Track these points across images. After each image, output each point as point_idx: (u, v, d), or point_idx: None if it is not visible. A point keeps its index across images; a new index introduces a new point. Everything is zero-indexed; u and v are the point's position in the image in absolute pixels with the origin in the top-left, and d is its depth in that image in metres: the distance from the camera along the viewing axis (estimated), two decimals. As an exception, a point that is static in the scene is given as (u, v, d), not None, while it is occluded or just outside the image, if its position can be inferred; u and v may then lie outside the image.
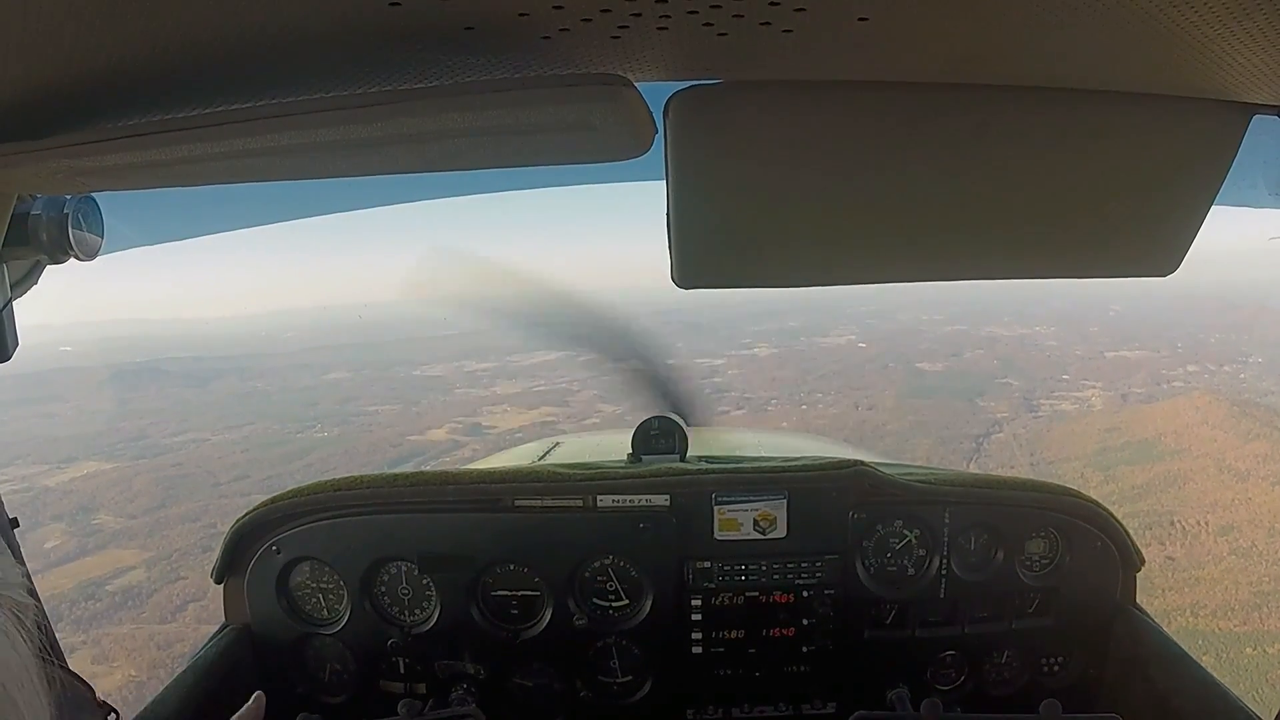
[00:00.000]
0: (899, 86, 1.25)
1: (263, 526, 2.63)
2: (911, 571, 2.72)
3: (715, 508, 2.63)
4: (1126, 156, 1.37)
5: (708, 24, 1.00)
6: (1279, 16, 0.95)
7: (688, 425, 3.06)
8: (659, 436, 2.99)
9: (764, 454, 3.41)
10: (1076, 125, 1.31)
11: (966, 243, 1.54)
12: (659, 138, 1.17)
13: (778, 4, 0.94)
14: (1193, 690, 2.31)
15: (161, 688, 2.28)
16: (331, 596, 2.67)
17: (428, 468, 3.20)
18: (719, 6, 0.95)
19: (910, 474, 2.78)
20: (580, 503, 2.62)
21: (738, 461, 2.88)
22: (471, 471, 2.77)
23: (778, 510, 2.64)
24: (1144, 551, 2.74)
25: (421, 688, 2.68)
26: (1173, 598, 26.36)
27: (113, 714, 1.54)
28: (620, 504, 2.62)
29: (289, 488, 2.68)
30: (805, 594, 2.69)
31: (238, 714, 1.72)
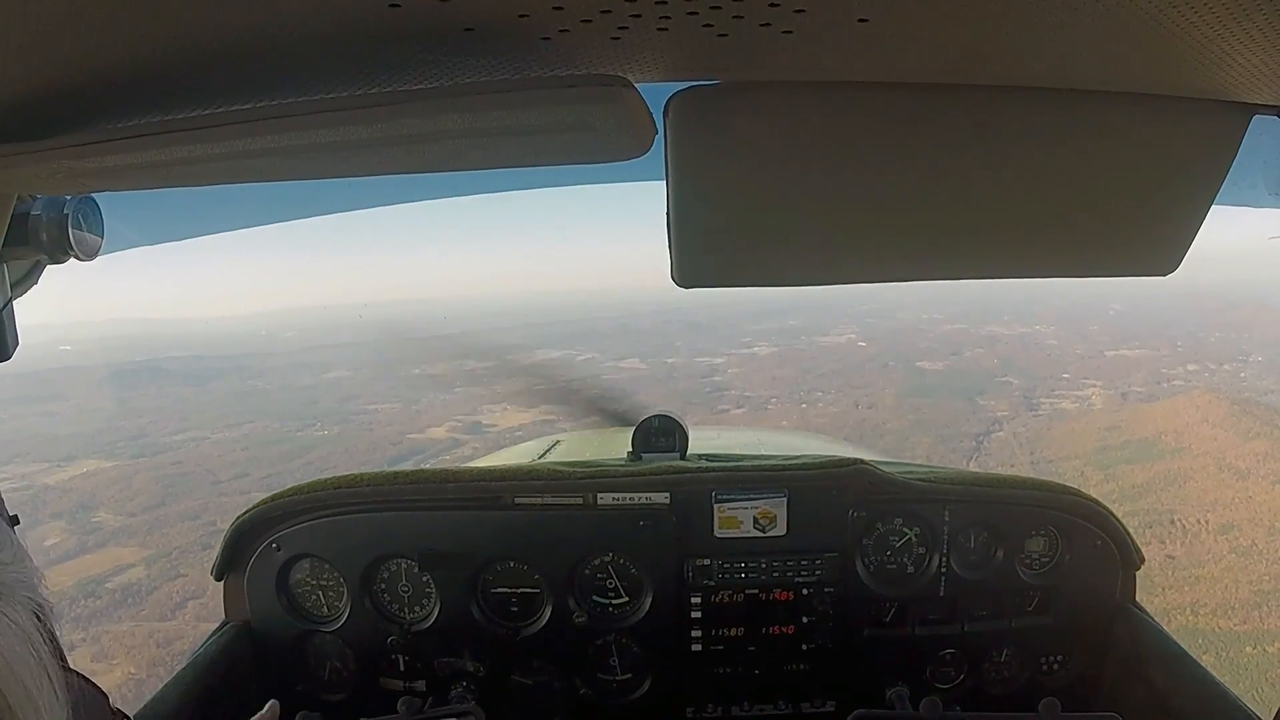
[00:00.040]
0: (899, 87, 1.25)
1: (263, 524, 2.63)
2: (911, 570, 2.72)
3: (715, 506, 2.63)
4: (1127, 156, 1.37)
5: (708, 25, 1.00)
6: (1279, 16, 0.95)
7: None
8: (659, 434, 2.99)
9: (764, 452, 3.42)
10: (1076, 125, 1.31)
11: (967, 242, 1.54)
12: (659, 138, 1.16)
13: (778, 5, 0.94)
14: (1192, 689, 2.32)
15: (161, 685, 2.28)
16: (331, 594, 2.68)
17: (427, 466, 3.21)
18: (719, 7, 0.95)
19: (910, 472, 2.78)
20: (580, 500, 2.62)
21: (738, 460, 2.89)
22: (472, 469, 2.78)
23: (778, 508, 2.64)
24: (1144, 550, 2.74)
25: (421, 685, 2.69)
26: (1173, 596, 26.38)
27: None
28: (620, 502, 2.63)
29: (289, 486, 2.69)
30: (805, 592, 2.69)
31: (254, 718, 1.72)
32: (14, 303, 1.58)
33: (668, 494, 2.63)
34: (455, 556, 2.62)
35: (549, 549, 2.64)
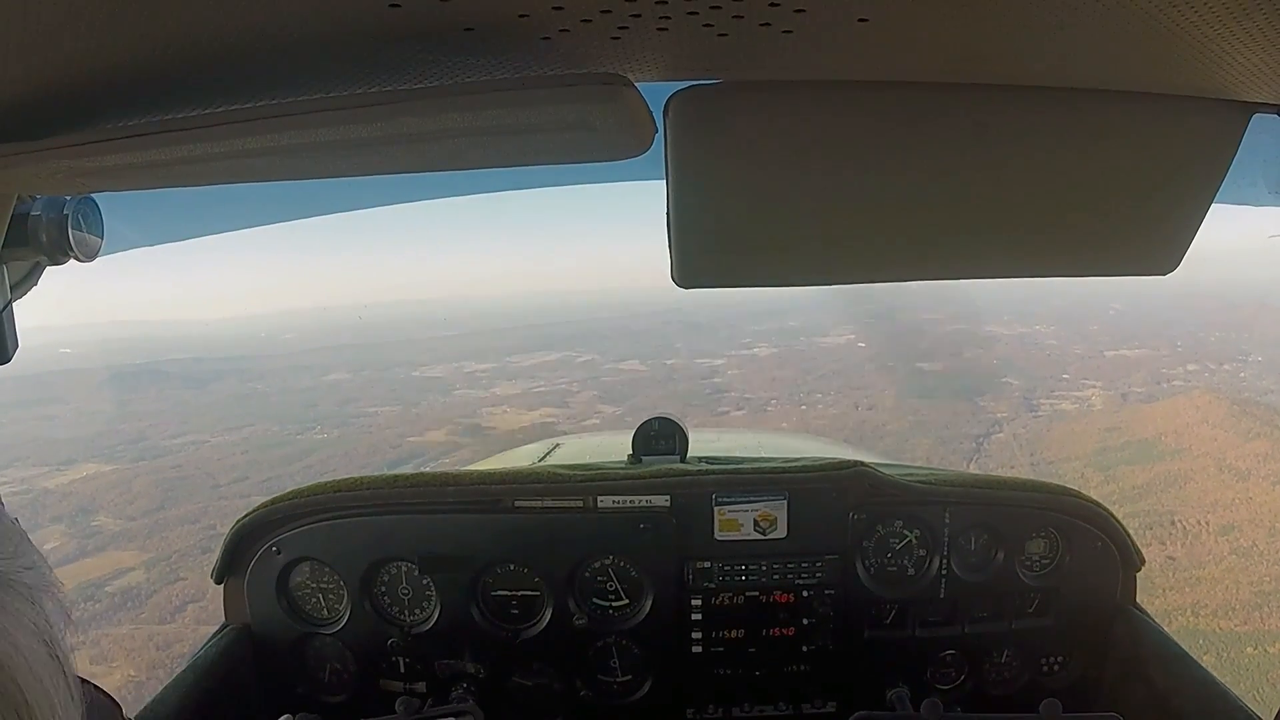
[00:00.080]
0: (899, 86, 1.25)
1: (263, 527, 2.63)
2: (911, 571, 2.72)
3: (715, 508, 2.63)
4: (1126, 156, 1.37)
5: (708, 24, 1.00)
6: (1279, 15, 0.95)
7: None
8: (659, 437, 2.99)
9: (764, 454, 3.41)
10: (1076, 125, 1.31)
11: (967, 242, 1.54)
12: (659, 137, 1.16)
13: (778, 4, 0.94)
14: (1193, 690, 2.31)
15: (161, 688, 2.28)
16: (331, 597, 2.67)
17: (427, 469, 3.21)
18: (719, 7, 0.95)
19: (910, 474, 2.78)
20: (580, 503, 2.62)
21: (738, 462, 2.89)
22: (472, 472, 2.78)
23: (778, 510, 2.64)
24: (1144, 551, 2.74)
25: (421, 687, 2.68)
26: (1174, 597, 26.38)
27: None
28: (620, 505, 2.63)
29: (289, 489, 2.69)
30: (805, 594, 2.69)
31: None
32: (13, 304, 1.57)
33: (668, 497, 2.63)
34: (455, 559, 2.62)
35: (549, 552, 2.64)
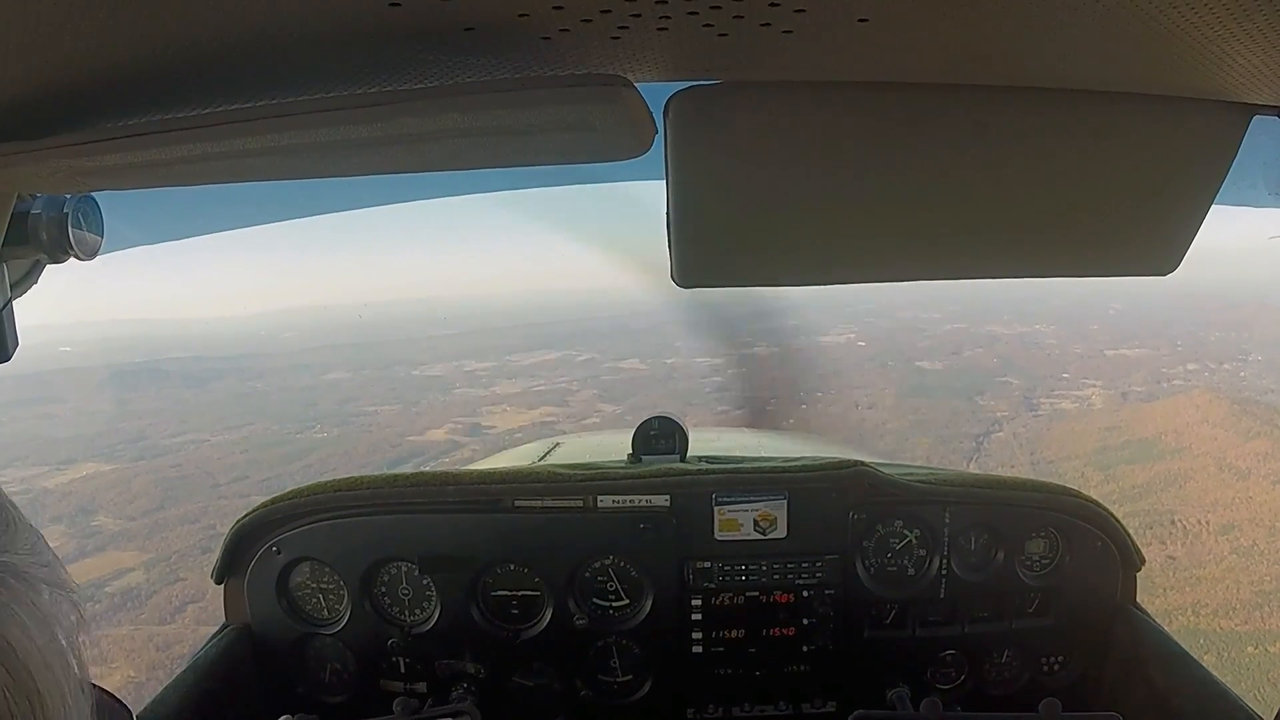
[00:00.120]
0: (899, 87, 1.25)
1: (263, 527, 2.63)
2: (911, 571, 2.72)
3: (715, 508, 2.63)
4: (1127, 156, 1.37)
5: (708, 25, 1.00)
6: (1279, 16, 0.95)
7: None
8: (659, 437, 2.99)
9: (764, 454, 3.41)
10: (1076, 125, 1.31)
11: (967, 242, 1.54)
12: (659, 138, 1.16)
13: (778, 5, 0.94)
14: (1193, 690, 2.31)
15: (161, 688, 2.28)
16: (332, 597, 2.67)
17: (427, 468, 3.21)
18: (719, 7, 0.95)
19: (910, 474, 2.78)
20: (580, 503, 2.62)
21: (738, 462, 2.89)
22: (472, 472, 2.78)
23: (778, 510, 2.64)
24: (1144, 551, 2.74)
25: (422, 687, 2.68)
26: (1174, 597, 26.37)
27: None
28: (620, 504, 2.63)
29: (289, 488, 2.69)
30: (805, 594, 2.69)
31: None
32: (13, 303, 1.57)
33: (668, 496, 2.63)
34: (455, 559, 2.62)
35: (549, 552, 2.64)
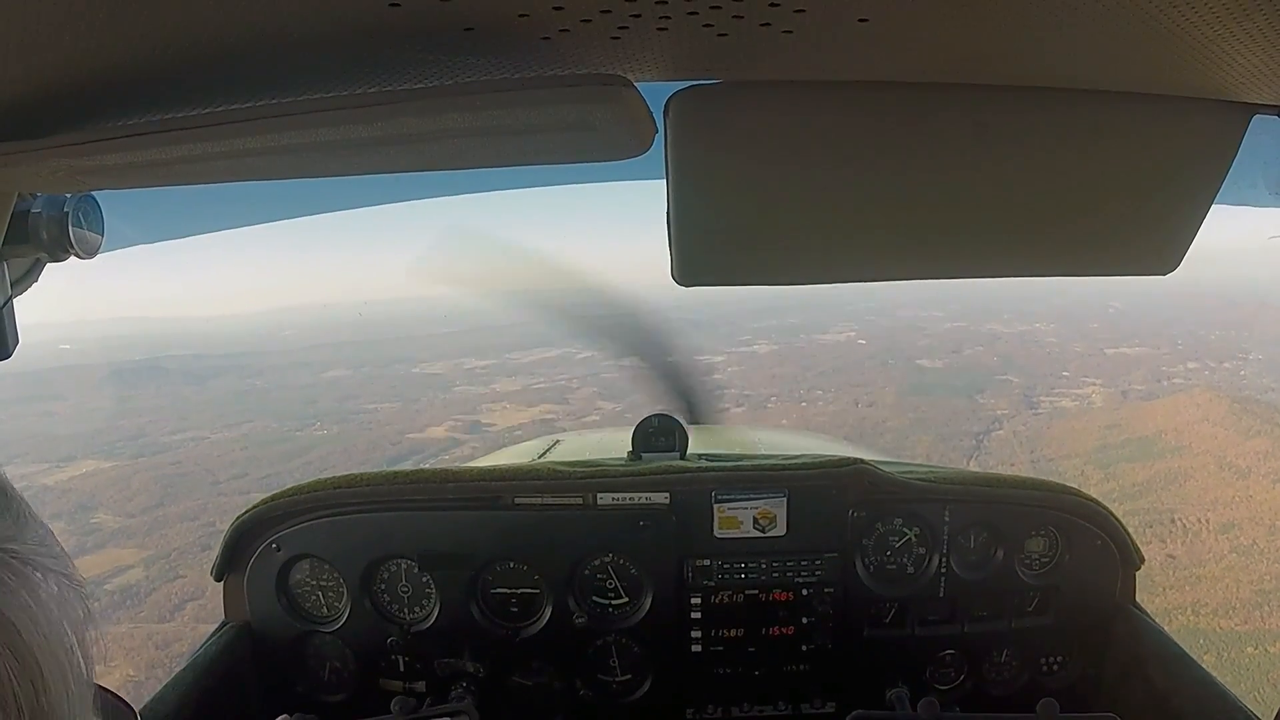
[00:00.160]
0: (899, 86, 1.25)
1: (263, 524, 2.63)
2: (911, 570, 2.72)
3: (715, 506, 2.63)
4: (1127, 156, 1.37)
5: (708, 25, 1.00)
6: (1279, 16, 0.95)
7: (690, 423, 3.07)
8: (659, 434, 2.99)
9: (764, 452, 3.42)
10: (1076, 125, 1.31)
11: (967, 241, 1.55)
12: (659, 137, 1.16)
13: (778, 5, 0.94)
14: (1192, 690, 2.32)
15: (160, 686, 2.28)
16: (331, 594, 2.67)
17: (427, 465, 3.21)
18: (719, 7, 0.95)
19: (910, 472, 2.78)
20: (580, 501, 2.62)
21: (737, 459, 2.89)
22: (471, 469, 2.78)
23: (777, 508, 2.64)
24: (1144, 550, 2.74)
25: (421, 686, 2.68)
26: (1174, 596, 26.41)
27: None
28: (620, 502, 2.63)
29: (288, 486, 2.69)
30: (805, 592, 2.69)
31: None
32: (14, 301, 1.58)
33: (667, 494, 2.63)
34: (455, 557, 2.62)
35: (549, 549, 2.64)
